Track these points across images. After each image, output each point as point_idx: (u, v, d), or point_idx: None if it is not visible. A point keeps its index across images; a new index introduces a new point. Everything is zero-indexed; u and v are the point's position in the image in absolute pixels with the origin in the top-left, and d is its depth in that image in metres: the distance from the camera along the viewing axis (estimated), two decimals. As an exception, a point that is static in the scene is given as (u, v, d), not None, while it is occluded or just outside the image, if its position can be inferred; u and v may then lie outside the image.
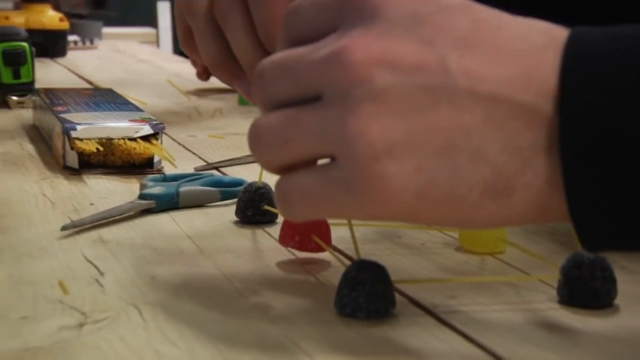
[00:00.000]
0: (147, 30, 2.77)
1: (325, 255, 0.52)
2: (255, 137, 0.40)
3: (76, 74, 1.49)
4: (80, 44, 1.95)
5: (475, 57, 0.36)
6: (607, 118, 0.34)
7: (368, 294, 0.43)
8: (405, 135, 0.36)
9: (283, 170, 0.40)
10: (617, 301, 0.46)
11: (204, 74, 1.36)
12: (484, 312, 0.45)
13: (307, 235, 0.51)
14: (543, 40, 0.37)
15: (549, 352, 0.40)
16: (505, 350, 0.40)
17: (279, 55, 0.40)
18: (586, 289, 0.45)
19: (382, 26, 0.37)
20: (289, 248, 0.52)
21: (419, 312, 0.45)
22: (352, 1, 0.38)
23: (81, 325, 0.43)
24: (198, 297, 0.47)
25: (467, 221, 0.38)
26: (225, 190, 0.65)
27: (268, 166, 0.41)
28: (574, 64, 0.35)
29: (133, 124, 0.76)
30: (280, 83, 0.40)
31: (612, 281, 0.46)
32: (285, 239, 0.52)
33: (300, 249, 0.51)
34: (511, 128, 0.36)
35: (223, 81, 0.54)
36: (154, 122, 0.77)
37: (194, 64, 1.34)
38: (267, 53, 0.50)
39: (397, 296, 0.45)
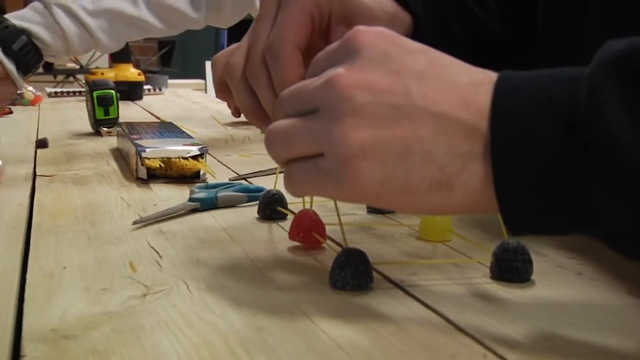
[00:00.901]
0: (198, 81, 2.76)
1: (322, 243, 0.50)
2: (270, 137, 0.39)
3: (148, 112, 1.48)
4: (152, 91, 1.94)
5: (430, 86, 0.35)
6: (526, 133, 0.32)
7: (353, 272, 0.41)
8: (375, 141, 0.34)
9: (287, 162, 0.39)
10: (533, 277, 0.44)
11: (236, 112, 1.37)
12: (437, 285, 0.43)
13: (308, 232, 0.49)
14: (480, 77, 0.35)
15: (484, 315, 0.38)
16: (454, 314, 0.38)
17: (294, 85, 0.39)
18: (511, 268, 0.43)
19: (362, 61, 0.36)
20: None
21: (390, 285, 0.43)
22: (344, 46, 0.37)
23: (145, 295, 0.41)
24: (230, 274, 0.44)
25: (417, 207, 0.36)
26: (251, 195, 0.63)
27: (277, 159, 0.39)
28: (502, 95, 0.34)
29: (186, 147, 0.74)
30: (292, 102, 0.39)
31: (529, 262, 0.44)
32: (292, 235, 0.50)
33: (303, 242, 0.49)
34: (454, 138, 0.34)
35: (254, 124, 0.53)
36: (201, 146, 0.75)
37: (229, 106, 1.34)
38: None
39: (375, 274, 0.42)
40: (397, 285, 0.43)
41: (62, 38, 0.88)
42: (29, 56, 0.85)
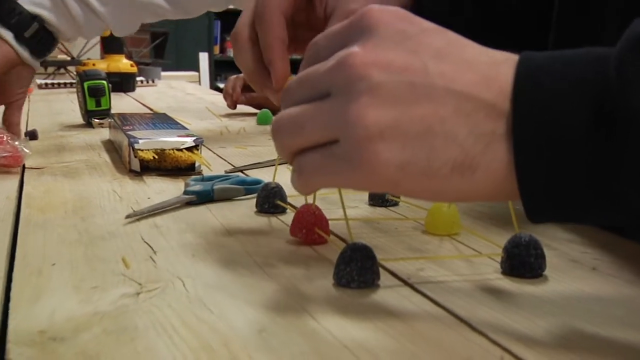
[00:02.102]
0: (192, 73, 2.74)
1: (325, 237, 0.48)
2: (278, 125, 0.37)
3: (141, 103, 1.46)
4: (145, 83, 1.93)
5: (449, 64, 0.33)
6: (549, 115, 0.31)
7: (359, 268, 0.39)
8: (394, 121, 0.32)
9: (295, 155, 0.36)
10: (546, 272, 0.42)
11: (232, 105, 1.35)
12: (446, 281, 0.41)
13: (311, 229, 0.47)
14: (501, 57, 0.34)
15: (496, 312, 0.36)
16: (464, 311, 0.36)
17: (301, 72, 0.37)
18: (523, 263, 0.42)
19: (378, 40, 0.34)
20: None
21: (397, 282, 0.41)
22: (356, 25, 0.35)
23: (138, 293, 0.38)
24: (227, 270, 0.42)
25: (439, 193, 0.34)
26: (248, 187, 0.61)
27: (285, 149, 0.37)
28: (524, 75, 0.32)
29: (180, 138, 0.72)
30: (301, 89, 0.36)
31: (542, 257, 0.42)
32: (294, 231, 0.48)
33: (306, 239, 0.47)
34: (476, 118, 0.32)
35: (256, 88, 0.52)
36: (196, 137, 0.73)
37: (224, 98, 1.32)
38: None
39: (381, 270, 0.40)
40: (405, 282, 0.41)
41: (74, 26, 0.90)
42: (42, 42, 0.87)
